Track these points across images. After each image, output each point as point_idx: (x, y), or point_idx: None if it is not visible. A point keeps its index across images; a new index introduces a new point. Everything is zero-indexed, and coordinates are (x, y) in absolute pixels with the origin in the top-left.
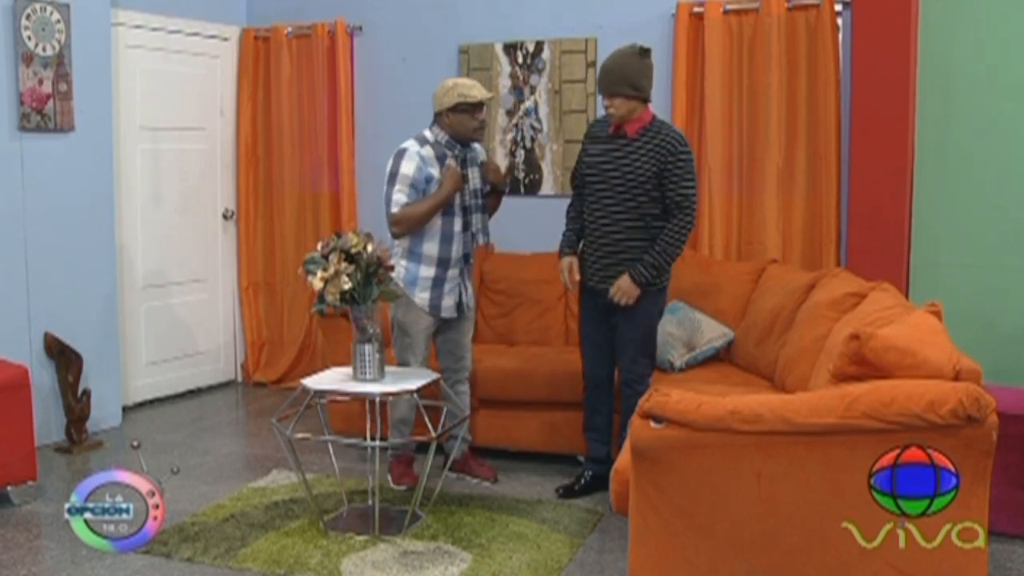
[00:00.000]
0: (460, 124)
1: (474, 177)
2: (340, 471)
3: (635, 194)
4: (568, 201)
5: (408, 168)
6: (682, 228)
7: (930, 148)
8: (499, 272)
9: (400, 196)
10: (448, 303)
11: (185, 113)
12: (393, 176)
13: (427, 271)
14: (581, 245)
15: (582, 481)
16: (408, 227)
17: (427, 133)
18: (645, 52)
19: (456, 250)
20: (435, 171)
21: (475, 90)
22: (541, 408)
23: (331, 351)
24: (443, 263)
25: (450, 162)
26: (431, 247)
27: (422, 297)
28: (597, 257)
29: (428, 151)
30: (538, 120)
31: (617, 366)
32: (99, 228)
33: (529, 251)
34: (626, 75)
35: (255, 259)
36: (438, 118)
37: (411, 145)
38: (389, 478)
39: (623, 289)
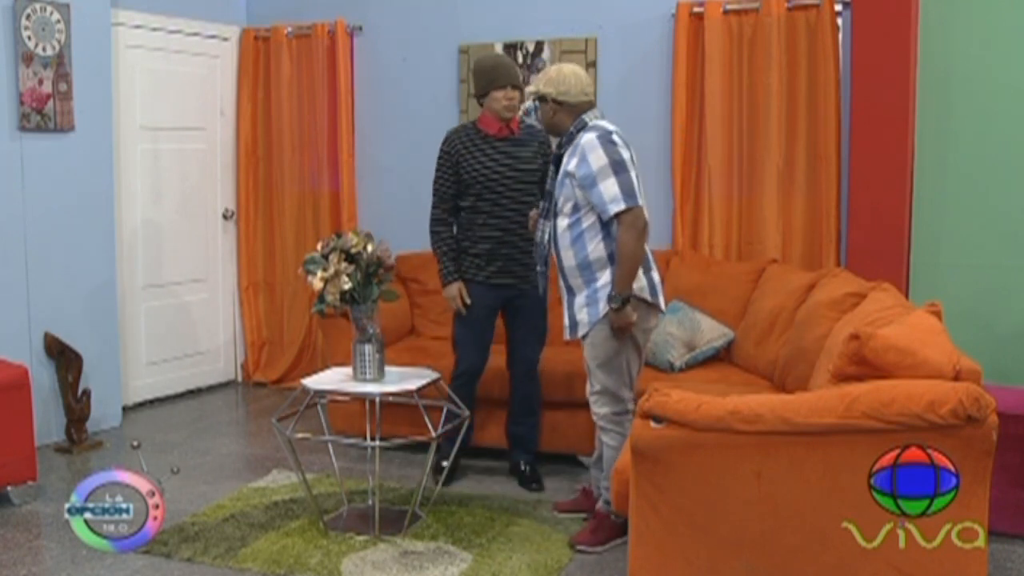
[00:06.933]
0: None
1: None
2: (340, 471)
3: (532, 187)
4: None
5: (626, 154)
6: None
7: (930, 148)
8: None
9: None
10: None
11: (185, 113)
12: (619, 164)
13: (657, 274)
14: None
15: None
16: (643, 239)
17: (605, 123)
18: None
19: None
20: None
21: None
22: (541, 408)
23: (331, 351)
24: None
25: None
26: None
27: (663, 301)
28: (513, 255)
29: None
30: (539, 120)
31: (512, 357)
32: (99, 228)
33: None
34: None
35: (255, 259)
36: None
37: (611, 126)
38: (581, 547)
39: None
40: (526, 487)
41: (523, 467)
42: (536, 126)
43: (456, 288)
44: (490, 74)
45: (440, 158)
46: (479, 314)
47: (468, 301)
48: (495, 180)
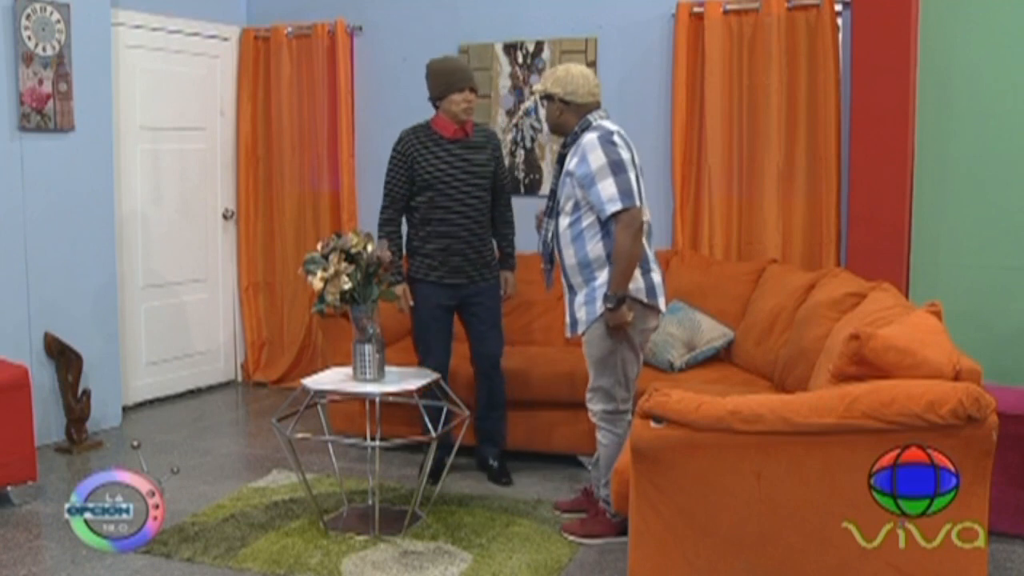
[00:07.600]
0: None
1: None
2: (340, 471)
3: (487, 188)
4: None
5: (626, 154)
6: (507, 209)
7: (930, 148)
8: None
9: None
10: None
11: (185, 113)
12: (618, 164)
13: (658, 275)
14: (438, 251)
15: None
16: (639, 239)
17: (608, 123)
18: None
19: None
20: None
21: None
22: (541, 408)
23: (331, 351)
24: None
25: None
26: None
27: (664, 302)
28: (466, 254)
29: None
30: (538, 120)
31: (473, 354)
32: (99, 228)
33: (529, 251)
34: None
35: (255, 259)
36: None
37: (613, 126)
38: (567, 533)
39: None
40: (496, 482)
41: (492, 462)
42: (490, 129)
43: (401, 289)
44: (449, 77)
45: (393, 158)
46: (435, 313)
47: (412, 302)
48: (449, 182)
